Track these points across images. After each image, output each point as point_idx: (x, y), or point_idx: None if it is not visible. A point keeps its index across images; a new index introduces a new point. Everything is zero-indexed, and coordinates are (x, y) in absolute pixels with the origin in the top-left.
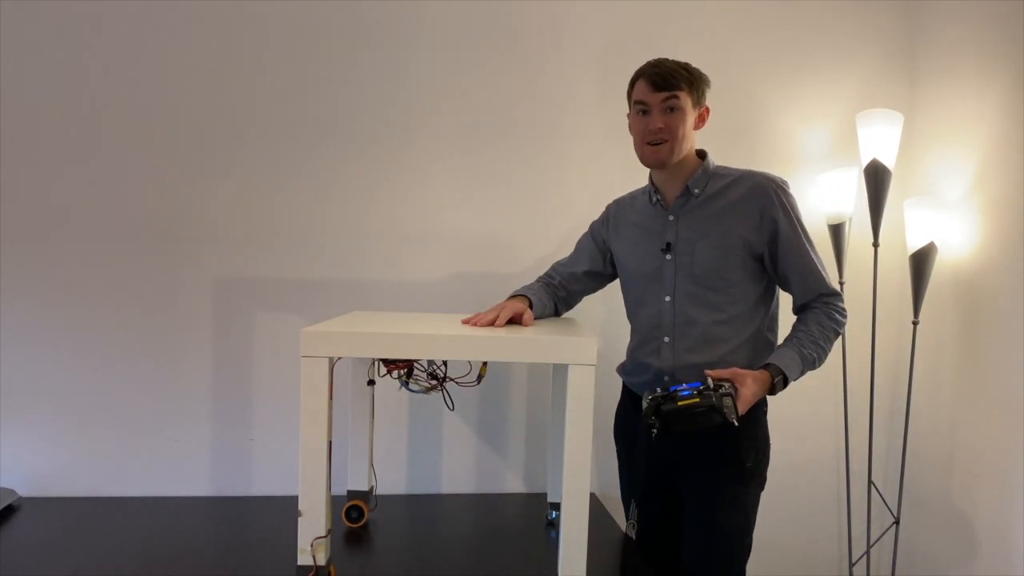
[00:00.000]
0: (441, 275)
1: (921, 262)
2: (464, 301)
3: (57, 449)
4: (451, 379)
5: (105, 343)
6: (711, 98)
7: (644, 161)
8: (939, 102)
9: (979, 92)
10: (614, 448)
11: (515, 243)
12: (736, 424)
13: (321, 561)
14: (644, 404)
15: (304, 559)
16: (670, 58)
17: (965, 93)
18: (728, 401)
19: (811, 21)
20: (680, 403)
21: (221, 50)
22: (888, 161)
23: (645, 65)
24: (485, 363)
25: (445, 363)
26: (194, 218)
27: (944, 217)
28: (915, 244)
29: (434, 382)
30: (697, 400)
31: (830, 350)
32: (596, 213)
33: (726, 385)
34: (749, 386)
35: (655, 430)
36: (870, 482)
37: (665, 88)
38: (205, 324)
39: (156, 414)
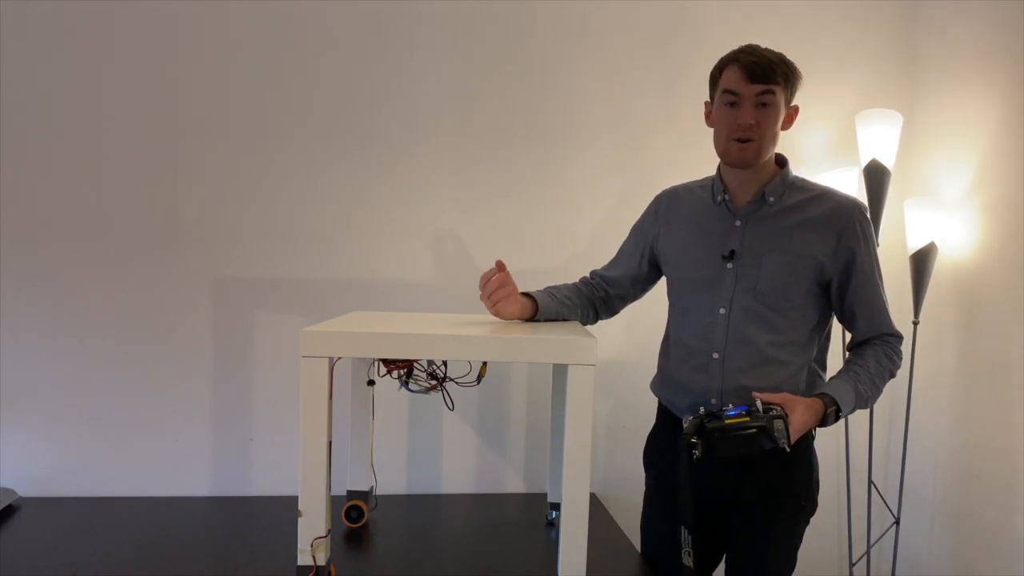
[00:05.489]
0: (441, 275)
1: (921, 262)
2: (465, 301)
3: (57, 449)
4: (451, 379)
5: (105, 343)
6: (696, 103)
7: (727, 158)
8: (939, 102)
9: (979, 92)
10: (614, 448)
11: (517, 242)
12: (788, 450)
13: (321, 561)
14: (685, 424)
15: (304, 559)
16: (762, 46)
17: (965, 93)
18: (780, 424)
19: (810, 21)
20: (727, 421)
21: (221, 51)
22: (888, 161)
23: (739, 51)
24: (485, 363)
25: (445, 363)
26: (194, 218)
27: (944, 217)
28: (915, 244)
29: (434, 382)
30: (747, 419)
31: (882, 392)
32: (602, 214)
33: (776, 408)
34: (801, 413)
35: (696, 452)
36: (870, 482)
37: (761, 80)
38: (205, 324)
39: (156, 414)
